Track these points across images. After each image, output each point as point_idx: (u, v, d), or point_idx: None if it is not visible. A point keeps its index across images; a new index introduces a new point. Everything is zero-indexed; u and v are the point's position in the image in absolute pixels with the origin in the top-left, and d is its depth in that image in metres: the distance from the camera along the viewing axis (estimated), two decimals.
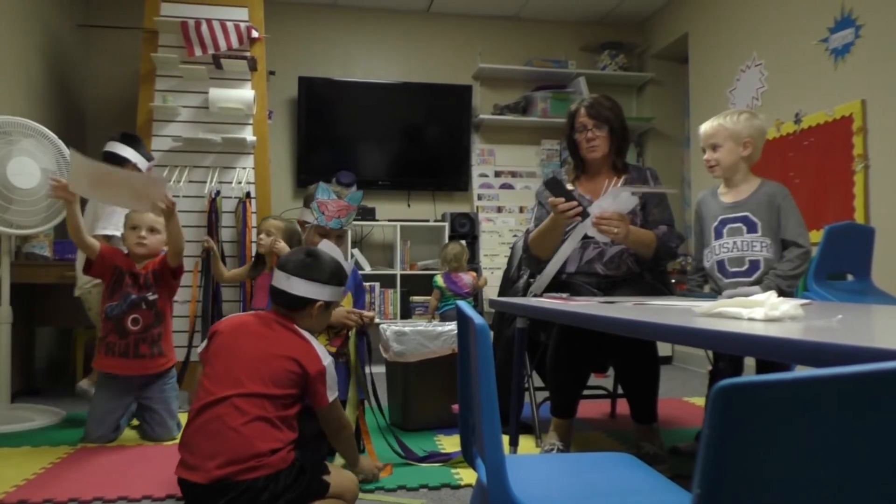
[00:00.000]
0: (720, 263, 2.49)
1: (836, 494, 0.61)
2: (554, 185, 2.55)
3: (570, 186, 2.79)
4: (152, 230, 2.95)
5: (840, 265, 3.13)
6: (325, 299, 2.02)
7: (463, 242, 5.01)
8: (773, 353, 1.07)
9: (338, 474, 1.95)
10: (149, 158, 3.58)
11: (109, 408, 2.93)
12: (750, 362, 2.55)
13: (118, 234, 3.26)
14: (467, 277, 4.80)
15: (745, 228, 2.45)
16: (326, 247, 2.25)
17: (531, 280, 2.94)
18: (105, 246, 2.99)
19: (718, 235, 2.51)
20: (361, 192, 2.79)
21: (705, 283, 2.63)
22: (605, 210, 2.44)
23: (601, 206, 2.46)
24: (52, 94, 4.57)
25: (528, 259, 2.84)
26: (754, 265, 2.42)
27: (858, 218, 3.55)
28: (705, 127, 2.54)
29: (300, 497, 1.80)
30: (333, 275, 2.04)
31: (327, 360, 1.91)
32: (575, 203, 2.47)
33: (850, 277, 3.18)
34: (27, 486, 2.31)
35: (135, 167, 3.44)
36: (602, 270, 2.68)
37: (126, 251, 3.02)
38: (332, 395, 1.93)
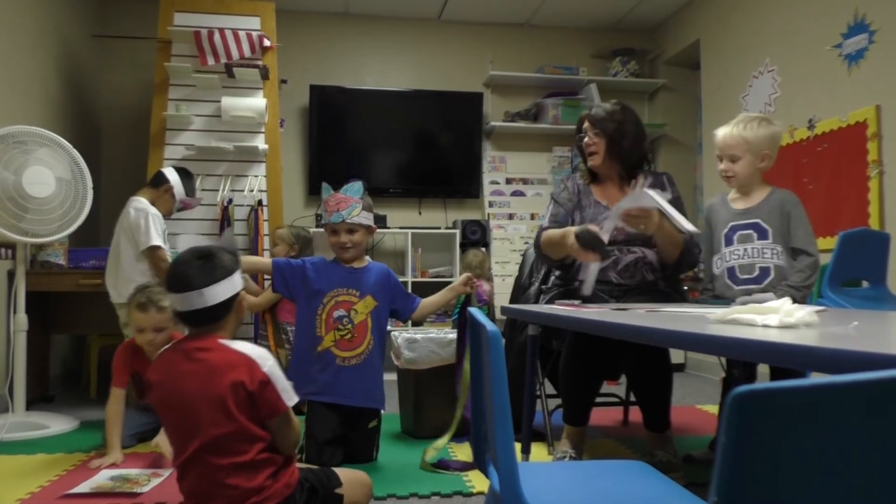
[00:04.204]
0: (730, 270, 2.45)
1: (855, 501, 0.61)
2: (589, 240, 2.42)
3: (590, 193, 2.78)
4: (158, 330, 2.83)
5: (855, 272, 3.10)
6: (242, 286, 1.81)
7: (484, 250, 5.02)
8: (789, 359, 1.06)
9: (349, 480, 1.90)
10: (189, 193, 3.61)
11: (132, 414, 2.99)
12: (763, 370, 2.53)
13: (161, 244, 3.32)
14: (487, 286, 4.80)
15: (755, 235, 2.42)
16: (191, 241, 2.13)
17: (543, 287, 2.93)
18: (119, 352, 2.92)
19: (729, 242, 2.48)
20: (360, 183, 2.74)
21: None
22: (630, 209, 2.38)
23: (621, 206, 2.41)
24: (68, 103, 4.62)
25: (540, 256, 2.82)
26: (765, 272, 2.39)
27: (873, 224, 3.52)
28: (723, 136, 2.47)
29: None
30: (231, 259, 1.80)
31: (268, 364, 1.68)
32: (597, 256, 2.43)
33: (865, 284, 3.16)
34: (42, 493, 2.33)
35: (170, 189, 3.50)
36: (616, 279, 2.66)
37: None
38: (288, 398, 1.70)
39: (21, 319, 3.35)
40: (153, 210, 3.37)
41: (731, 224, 2.48)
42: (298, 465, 1.84)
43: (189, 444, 1.67)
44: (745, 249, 2.43)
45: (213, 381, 1.65)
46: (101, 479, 2.47)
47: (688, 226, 2.35)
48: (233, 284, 1.76)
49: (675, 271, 2.73)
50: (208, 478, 1.66)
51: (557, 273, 2.86)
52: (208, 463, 1.65)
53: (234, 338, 1.79)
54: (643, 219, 2.38)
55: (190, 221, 4.16)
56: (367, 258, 2.86)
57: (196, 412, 1.65)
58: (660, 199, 2.35)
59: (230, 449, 1.65)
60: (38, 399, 3.94)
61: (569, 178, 2.90)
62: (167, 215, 3.53)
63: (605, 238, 2.44)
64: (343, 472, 1.92)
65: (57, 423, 3.32)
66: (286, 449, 1.78)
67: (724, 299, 2.43)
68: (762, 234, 2.41)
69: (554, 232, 2.66)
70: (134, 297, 2.87)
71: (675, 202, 2.68)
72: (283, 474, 1.72)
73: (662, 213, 2.41)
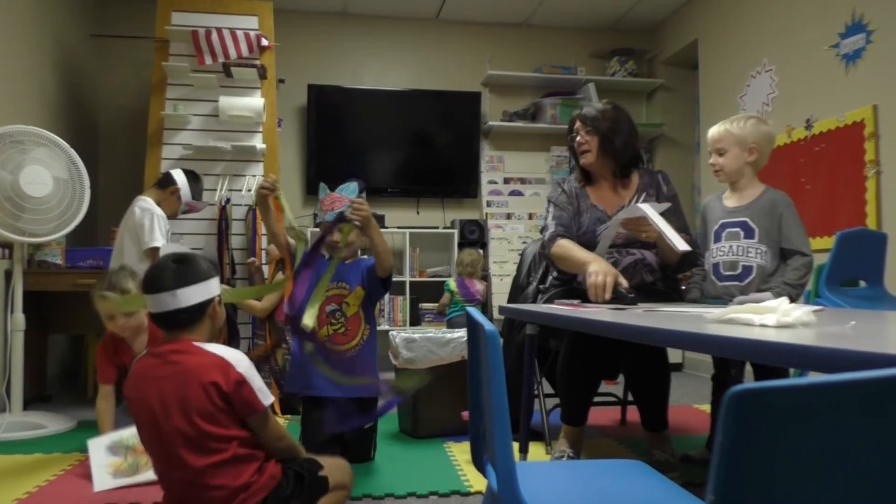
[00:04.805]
0: (715, 266, 2.50)
1: (851, 500, 0.61)
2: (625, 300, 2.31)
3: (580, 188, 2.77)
4: (128, 314, 2.69)
5: (852, 272, 3.11)
6: (217, 293, 1.82)
7: (480, 251, 5.02)
8: (786, 359, 1.07)
9: (329, 465, 1.91)
10: (196, 196, 3.62)
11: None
12: (747, 368, 2.54)
13: (163, 245, 3.31)
14: (479, 285, 4.81)
15: (742, 234, 2.46)
16: (170, 250, 2.14)
17: (540, 287, 2.93)
18: (100, 347, 2.83)
19: (717, 239, 2.52)
20: (355, 183, 2.76)
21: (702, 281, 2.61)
22: (628, 219, 2.39)
23: (618, 219, 2.42)
24: (65, 103, 4.61)
25: (546, 260, 2.81)
26: (747, 271, 2.42)
27: (871, 224, 3.52)
28: (712, 131, 2.55)
29: (307, 500, 1.80)
30: (210, 265, 1.84)
31: (243, 365, 1.71)
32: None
33: (862, 284, 3.16)
34: (39, 493, 2.32)
35: (176, 191, 3.52)
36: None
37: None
38: (264, 397, 1.72)
39: (18, 319, 3.34)
40: (158, 210, 3.37)
41: (722, 221, 2.53)
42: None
43: (167, 448, 1.67)
44: (731, 247, 2.47)
45: (187, 383, 1.66)
46: (107, 456, 2.50)
47: (681, 245, 2.26)
48: (207, 289, 1.78)
49: (677, 270, 2.74)
50: (192, 481, 1.66)
51: (555, 273, 2.86)
52: (189, 466, 1.65)
53: (224, 340, 1.81)
54: (643, 226, 2.38)
55: (189, 221, 4.15)
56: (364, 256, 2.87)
57: (171, 414, 1.66)
58: (654, 215, 2.30)
59: (208, 448, 1.66)
60: (36, 399, 3.94)
61: (564, 180, 2.87)
62: (172, 217, 3.53)
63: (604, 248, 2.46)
64: (322, 459, 1.93)
65: (54, 423, 3.31)
66: (279, 454, 1.81)
67: (714, 298, 2.44)
68: (749, 234, 2.45)
69: (572, 250, 2.57)
70: (96, 285, 2.70)
71: (672, 200, 2.68)
72: (267, 466, 1.74)
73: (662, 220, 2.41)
